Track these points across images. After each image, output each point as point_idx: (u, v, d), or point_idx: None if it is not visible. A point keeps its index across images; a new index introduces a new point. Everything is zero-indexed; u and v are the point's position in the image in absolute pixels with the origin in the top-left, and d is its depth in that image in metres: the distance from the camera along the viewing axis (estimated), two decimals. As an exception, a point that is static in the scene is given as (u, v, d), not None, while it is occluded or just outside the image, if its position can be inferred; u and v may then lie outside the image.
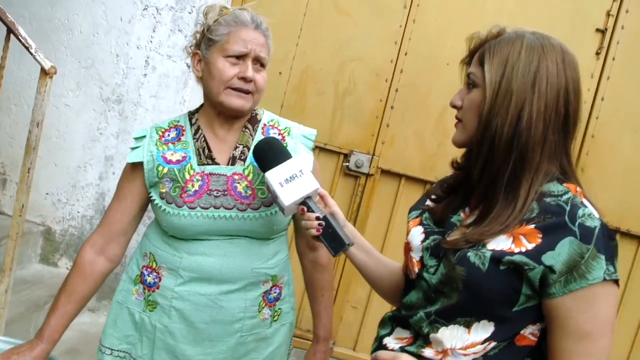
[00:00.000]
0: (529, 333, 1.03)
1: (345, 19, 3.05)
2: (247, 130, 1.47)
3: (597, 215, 0.99)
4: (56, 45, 3.00)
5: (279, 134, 1.49)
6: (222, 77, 1.38)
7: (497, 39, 1.08)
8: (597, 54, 2.96)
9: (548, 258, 0.97)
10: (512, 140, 1.02)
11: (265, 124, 1.50)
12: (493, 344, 1.03)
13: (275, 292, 1.49)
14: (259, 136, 1.47)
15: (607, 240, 0.98)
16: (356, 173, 3.09)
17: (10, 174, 3.11)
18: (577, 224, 0.97)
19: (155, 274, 1.44)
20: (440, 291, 1.07)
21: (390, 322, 1.20)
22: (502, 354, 1.03)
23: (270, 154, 1.30)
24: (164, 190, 1.41)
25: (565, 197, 1.01)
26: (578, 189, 1.04)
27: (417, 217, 1.23)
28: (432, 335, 1.07)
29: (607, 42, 2.95)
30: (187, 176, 1.40)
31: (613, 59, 2.96)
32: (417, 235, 1.18)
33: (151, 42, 2.96)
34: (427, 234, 1.16)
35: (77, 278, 1.46)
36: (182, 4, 2.93)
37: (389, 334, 1.18)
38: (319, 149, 3.07)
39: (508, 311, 1.01)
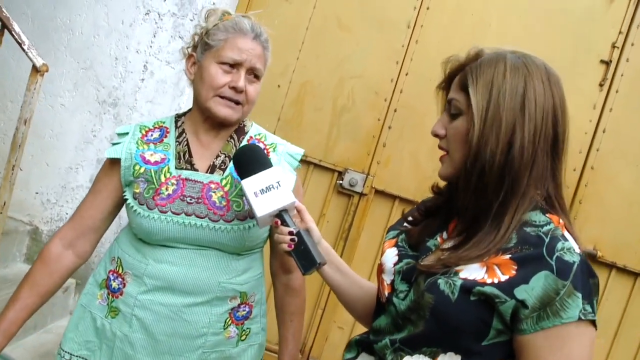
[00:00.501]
0: None
1: (347, 35, 3.03)
2: (231, 140, 1.44)
3: (577, 250, 0.93)
4: (56, 44, 2.99)
5: (264, 149, 1.45)
6: (212, 83, 1.36)
7: (477, 62, 1.02)
8: (601, 85, 2.92)
9: (521, 292, 0.91)
10: (504, 169, 0.96)
11: (251, 137, 1.47)
12: None
13: (244, 310, 1.43)
14: None
15: (586, 277, 0.92)
16: (349, 192, 3.04)
17: (1, 171, 3.08)
18: (554, 257, 0.91)
19: (120, 279, 1.40)
20: (408, 318, 1.02)
21: (357, 346, 1.15)
22: None
23: (250, 161, 1.25)
24: (137, 191, 1.37)
25: (545, 229, 0.96)
26: (561, 220, 0.99)
27: (393, 237, 1.18)
28: None
29: (611, 74, 2.91)
30: (163, 179, 1.37)
31: (616, 91, 2.91)
32: (390, 257, 1.13)
33: (151, 47, 2.94)
34: (401, 257, 1.11)
35: (42, 271, 1.42)
36: (184, 10, 2.92)
37: (353, 358, 1.14)
38: (314, 165, 3.04)
39: (477, 344, 0.96)
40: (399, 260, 1.10)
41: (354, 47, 3.02)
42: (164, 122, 1.47)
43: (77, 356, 1.42)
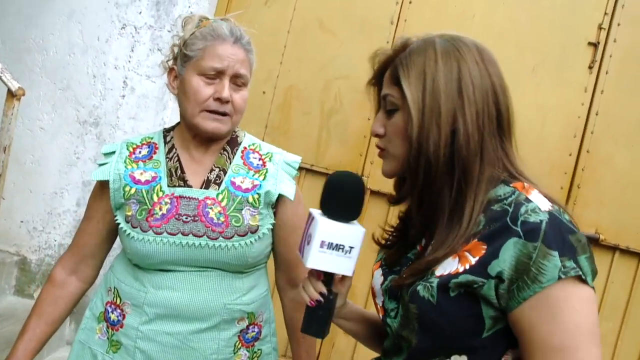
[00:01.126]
0: (515, 359, 0.90)
1: (330, 36, 2.97)
2: (225, 152, 1.36)
3: (545, 208, 0.86)
4: (30, 66, 2.89)
5: (260, 159, 1.38)
6: (196, 97, 1.28)
7: (406, 51, 0.96)
8: (590, 67, 2.89)
9: (494, 268, 0.84)
10: (452, 158, 0.91)
11: (245, 147, 1.39)
12: None
13: (253, 332, 1.36)
14: (237, 159, 1.36)
15: (560, 232, 0.84)
16: (344, 194, 2.97)
17: (-17, 202, 2.98)
18: (519, 222, 0.85)
19: (119, 310, 1.32)
20: (401, 336, 0.95)
21: None
22: None
23: (345, 196, 0.98)
24: (129, 213, 1.29)
25: (510, 199, 0.89)
26: (526, 184, 0.92)
27: (380, 259, 1.11)
28: None
29: (600, 56, 2.88)
30: (155, 198, 1.29)
31: (606, 72, 2.89)
32: (377, 278, 1.07)
33: (129, 62, 2.85)
34: (386, 275, 1.05)
35: (47, 299, 1.38)
36: (161, 22, 2.84)
37: None
38: (305, 171, 2.97)
39: (477, 339, 0.88)
40: (385, 280, 1.05)
41: (337, 48, 2.97)
42: (151, 138, 1.39)
43: (78, 396, 1.34)
